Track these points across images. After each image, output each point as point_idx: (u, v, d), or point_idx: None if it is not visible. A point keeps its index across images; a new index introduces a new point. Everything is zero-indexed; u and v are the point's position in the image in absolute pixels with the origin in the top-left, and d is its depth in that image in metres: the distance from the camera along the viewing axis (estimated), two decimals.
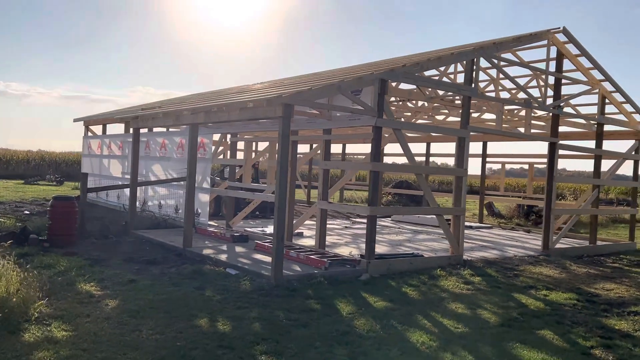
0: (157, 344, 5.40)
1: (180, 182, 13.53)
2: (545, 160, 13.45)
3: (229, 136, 15.19)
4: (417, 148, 20.19)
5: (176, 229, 12.87)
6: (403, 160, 22.17)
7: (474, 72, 11.14)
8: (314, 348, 5.53)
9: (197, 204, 12.59)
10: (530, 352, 5.81)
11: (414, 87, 13.55)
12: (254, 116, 8.93)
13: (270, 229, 13.94)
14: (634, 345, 6.26)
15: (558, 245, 13.37)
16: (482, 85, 14.56)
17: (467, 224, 17.38)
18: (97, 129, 21.20)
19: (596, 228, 14.65)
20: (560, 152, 13.30)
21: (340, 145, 23.16)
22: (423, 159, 20.13)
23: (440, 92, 13.27)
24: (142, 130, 13.94)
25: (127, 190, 15.77)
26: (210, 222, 13.80)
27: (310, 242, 12.18)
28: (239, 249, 10.79)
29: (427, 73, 11.76)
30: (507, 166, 19.53)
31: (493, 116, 15.63)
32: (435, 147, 20.20)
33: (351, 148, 24.79)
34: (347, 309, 7.04)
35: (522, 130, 15.29)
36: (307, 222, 13.96)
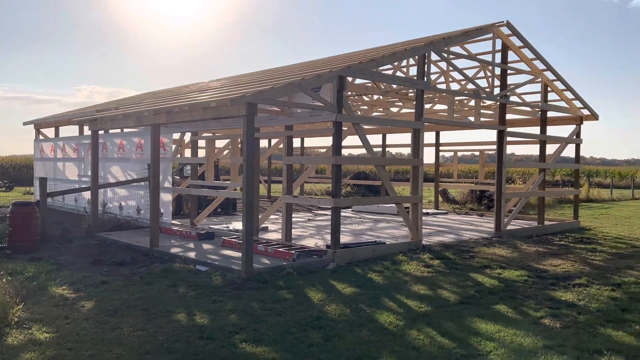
0: (140, 339, 5.62)
1: (141, 182, 13.54)
2: (495, 146, 14.20)
3: (187, 134, 15.23)
4: (373, 139, 20.79)
5: (140, 230, 12.91)
6: (359, 151, 22.82)
7: (426, 66, 11.67)
8: (290, 334, 5.87)
9: (160, 204, 12.64)
10: (487, 325, 6.35)
11: (369, 81, 14.04)
12: (217, 115, 9.12)
13: (234, 225, 14.14)
14: (578, 313, 6.92)
15: (509, 227, 14.19)
16: (433, 77, 15.15)
17: (424, 210, 18.08)
18: (48, 132, 20.70)
19: (544, 209, 15.59)
20: (508, 138, 14.10)
21: (299, 139, 23.52)
22: (379, 149, 20.74)
23: (395, 86, 13.77)
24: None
25: (85, 193, 15.60)
26: (173, 221, 13.88)
27: (275, 235, 12.48)
28: (206, 246, 10.98)
29: (381, 67, 12.20)
30: (459, 153, 20.35)
31: (444, 107, 16.32)
32: (390, 138, 20.85)
33: (309, 142, 25.20)
34: (318, 296, 7.42)
35: (472, 119, 16.01)
36: (270, 216, 14.22)
